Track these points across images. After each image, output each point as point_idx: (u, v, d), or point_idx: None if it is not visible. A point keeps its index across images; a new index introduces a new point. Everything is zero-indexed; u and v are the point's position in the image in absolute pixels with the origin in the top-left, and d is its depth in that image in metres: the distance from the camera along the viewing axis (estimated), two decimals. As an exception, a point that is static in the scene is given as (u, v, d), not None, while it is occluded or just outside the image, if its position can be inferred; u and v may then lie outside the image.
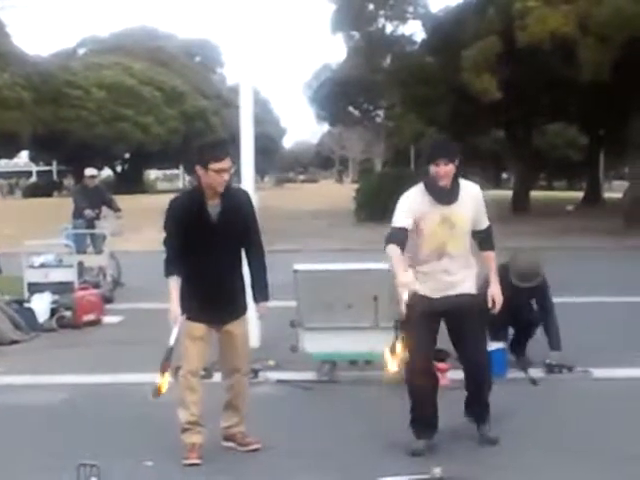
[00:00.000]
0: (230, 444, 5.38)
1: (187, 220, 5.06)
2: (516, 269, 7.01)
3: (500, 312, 5.39)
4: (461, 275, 5.20)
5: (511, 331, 7.59)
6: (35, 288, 10.43)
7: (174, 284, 5.09)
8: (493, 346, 7.00)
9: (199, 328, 5.14)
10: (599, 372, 7.18)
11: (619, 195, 31.88)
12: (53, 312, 9.90)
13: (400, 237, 4.97)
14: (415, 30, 32.97)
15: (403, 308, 4.75)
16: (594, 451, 5.33)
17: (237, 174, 8.57)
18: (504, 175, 65.08)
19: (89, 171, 13.57)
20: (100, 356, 8.41)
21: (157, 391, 4.94)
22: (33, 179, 72.90)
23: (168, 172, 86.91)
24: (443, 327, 5.32)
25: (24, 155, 66.68)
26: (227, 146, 5.23)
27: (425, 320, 5.17)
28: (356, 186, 33.13)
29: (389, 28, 31.04)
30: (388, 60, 32.52)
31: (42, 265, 10.92)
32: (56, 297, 10.11)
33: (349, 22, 29.99)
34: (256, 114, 9.03)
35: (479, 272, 5.36)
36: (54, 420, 6.22)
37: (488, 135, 41.33)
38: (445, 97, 27.33)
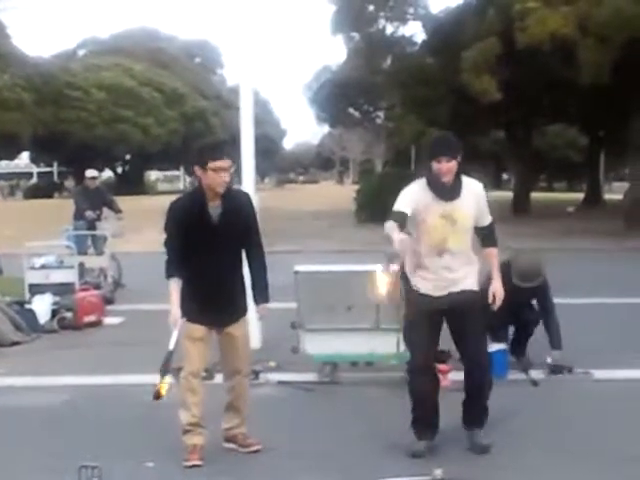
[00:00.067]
0: (231, 445, 5.39)
1: (188, 222, 5.06)
2: (517, 269, 7.02)
3: (500, 309, 5.39)
4: (463, 272, 5.19)
5: (511, 332, 7.60)
6: (36, 289, 10.43)
7: (175, 286, 5.09)
8: (494, 347, 7.01)
9: (199, 329, 5.15)
10: (599, 373, 7.18)
11: (619, 196, 31.87)
12: (54, 313, 9.90)
13: (399, 218, 4.94)
14: (415, 31, 33.06)
15: (397, 244, 4.69)
16: (594, 452, 5.33)
17: (237, 175, 8.58)
18: (504, 176, 65.09)
19: (90, 172, 13.57)
20: (101, 357, 8.41)
21: (157, 394, 4.95)
22: (34, 180, 72.86)
23: (168, 173, 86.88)
24: (444, 328, 5.32)
25: (25, 156, 66.66)
26: (225, 146, 5.24)
27: (427, 319, 5.17)
28: (357, 187, 33.14)
29: (389, 29, 31.09)
30: (388, 61, 32.54)
31: (43, 266, 10.92)
32: (57, 298, 10.11)
33: (349, 23, 29.99)
34: (256, 115, 9.04)
35: (481, 269, 5.36)
36: (55, 421, 6.22)
37: (488, 136, 41.35)
38: (445, 98, 27.33)
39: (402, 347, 6.44)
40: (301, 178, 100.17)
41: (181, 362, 5.19)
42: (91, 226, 12.94)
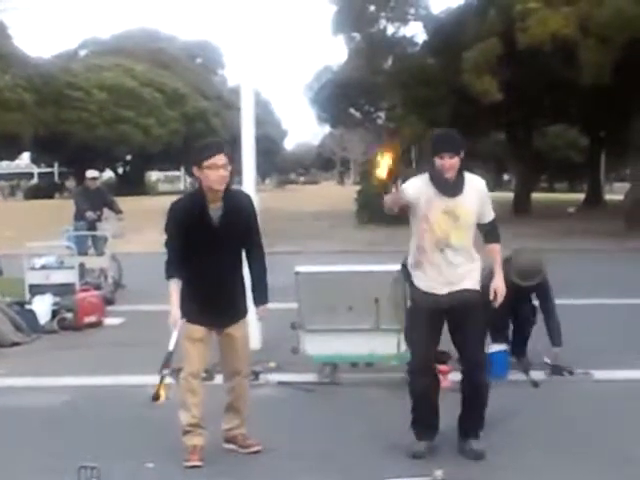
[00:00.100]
0: (231, 446, 5.39)
1: (188, 223, 5.05)
2: (518, 267, 7.01)
3: (501, 306, 5.38)
4: (465, 268, 5.17)
5: (510, 332, 7.61)
6: (36, 290, 10.43)
7: (175, 287, 5.09)
8: (495, 348, 7.02)
9: (199, 330, 5.14)
10: (600, 374, 7.18)
11: (620, 197, 31.87)
12: (54, 314, 9.90)
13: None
14: (416, 32, 33.04)
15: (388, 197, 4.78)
16: (594, 452, 5.33)
17: (238, 176, 8.57)
18: (505, 177, 65.10)
19: (90, 173, 13.57)
20: (101, 358, 8.41)
21: (156, 395, 4.94)
22: (34, 181, 72.91)
23: (169, 174, 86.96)
24: (446, 329, 5.32)
25: (25, 157, 66.70)
26: (220, 144, 5.24)
27: (429, 318, 5.16)
28: (357, 188, 33.12)
29: (390, 30, 31.09)
30: (389, 62, 32.55)
31: (43, 267, 10.92)
32: (57, 299, 10.12)
33: (350, 24, 30.00)
34: (257, 116, 9.03)
35: (483, 265, 5.35)
36: (55, 422, 6.22)
37: (489, 137, 41.32)
38: (446, 99, 27.34)
39: (402, 348, 6.44)
40: (302, 179, 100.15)
41: (181, 363, 5.19)
42: (91, 227, 12.95)
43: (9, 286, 10.94)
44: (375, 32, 30.38)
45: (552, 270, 7.41)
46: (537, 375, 7.10)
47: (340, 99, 43.86)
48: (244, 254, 5.28)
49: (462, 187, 5.14)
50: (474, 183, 5.23)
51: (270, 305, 5.39)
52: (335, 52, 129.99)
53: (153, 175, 80.00)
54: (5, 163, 71.46)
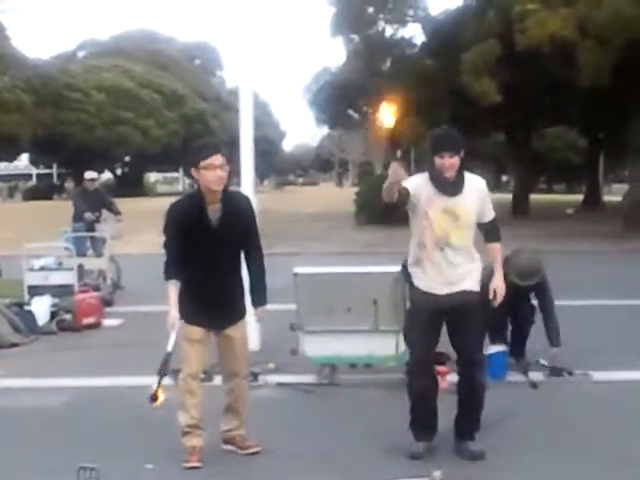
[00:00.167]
0: (230, 447, 5.39)
1: (187, 224, 5.05)
2: (517, 267, 7.01)
3: (500, 305, 5.37)
4: (465, 268, 5.16)
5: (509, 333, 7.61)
6: (35, 291, 10.43)
7: (173, 288, 5.09)
8: (493, 349, 7.03)
9: (197, 331, 5.14)
10: (599, 375, 7.18)
11: (619, 198, 31.88)
12: (53, 315, 9.90)
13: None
14: (415, 33, 32.93)
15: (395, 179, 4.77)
16: (593, 453, 5.33)
17: (237, 177, 8.57)
18: (504, 178, 65.09)
19: (89, 174, 13.56)
20: (100, 359, 8.41)
21: (154, 397, 4.94)
22: (33, 182, 72.88)
23: (168, 175, 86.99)
24: (444, 330, 5.32)
25: (24, 158, 66.68)
26: (217, 144, 5.24)
27: (428, 319, 5.16)
28: (356, 189, 33.14)
29: (389, 31, 31.15)
30: (388, 63, 32.54)
31: (42, 268, 10.91)
32: (56, 300, 10.10)
33: (349, 25, 30.02)
34: (256, 117, 9.03)
35: (484, 265, 5.34)
36: (54, 423, 6.22)
37: (488, 138, 41.35)
38: (445, 100, 27.34)
39: (401, 349, 6.45)
40: (300, 180, 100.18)
41: (180, 364, 5.19)
42: (90, 228, 12.94)
43: (8, 287, 10.95)
44: (373, 34, 30.41)
45: (551, 271, 7.42)
46: (536, 376, 7.10)
47: (339, 100, 43.76)
48: (243, 255, 5.28)
49: (462, 186, 5.13)
50: (474, 183, 5.23)
51: (269, 306, 5.39)
52: (334, 54, 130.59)
53: (152, 176, 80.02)
54: (4, 164, 71.48)
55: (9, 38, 49.48)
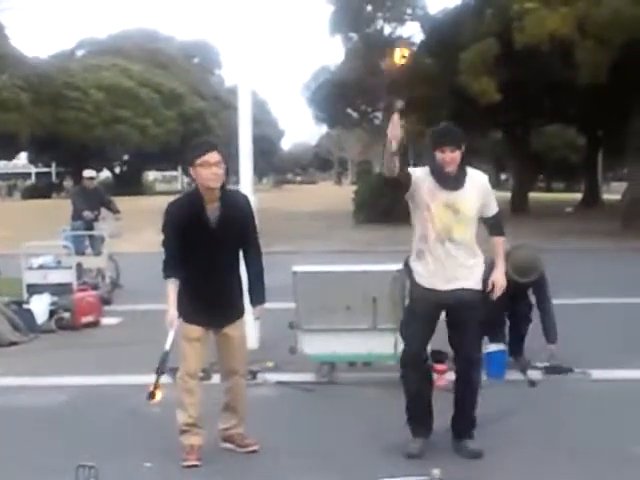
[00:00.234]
0: (229, 446, 5.39)
1: (185, 223, 5.05)
2: (516, 264, 7.01)
3: (498, 300, 5.37)
4: (467, 264, 5.14)
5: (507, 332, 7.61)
6: (34, 289, 10.44)
7: (172, 287, 5.09)
8: (492, 347, 7.03)
9: (196, 330, 5.14)
10: (597, 373, 7.18)
11: (617, 197, 31.92)
12: (52, 313, 9.90)
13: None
14: (413, 32, 33.06)
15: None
16: (592, 452, 5.33)
17: (235, 175, 8.58)
18: (503, 176, 65.10)
19: (88, 173, 13.55)
20: (99, 357, 8.41)
21: (152, 394, 4.94)
22: (32, 181, 72.85)
23: (167, 174, 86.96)
24: (443, 328, 5.31)
25: (23, 157, 66.65)
26: (213, 142, 5.25)
27: (427, 314, 5.16)
28: (355, 188, 33.14)
29: (387, 30, 31.16)
30: (386, 62, 32.51)
31: (41, 267, 10.93)
32: (55, 298, 10.11)
33: (347, 24, 30.04)
34: (254, 116, 9.03)
35: (485, 259, 5.33)
36: (53, 421, 6.22)
37: (487, 136, 41.35)
38: (444, 99, 27.35)
39: (400, 347, 6.43)
40: (298, 178, 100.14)
41: (178, 362, 5.19)
42: (89, 226, 12.94)
43: (7, 286, 10.95)
44: (372, 32, 30.43)
45: (550, 269, 7.42)
46: (534, 374, 7.10)
47: (337, 99, 43.75)
48: (241, 254, 5.28)
49: (463, 181, 5.12)
50: (476, 178, 5.21)
51: (268, 305, 5.39)
52: (332, 52, 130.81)
53: (150, 175, 80.00)
54: (2, 163, 71.42)
55: (8, 37, 49.46)
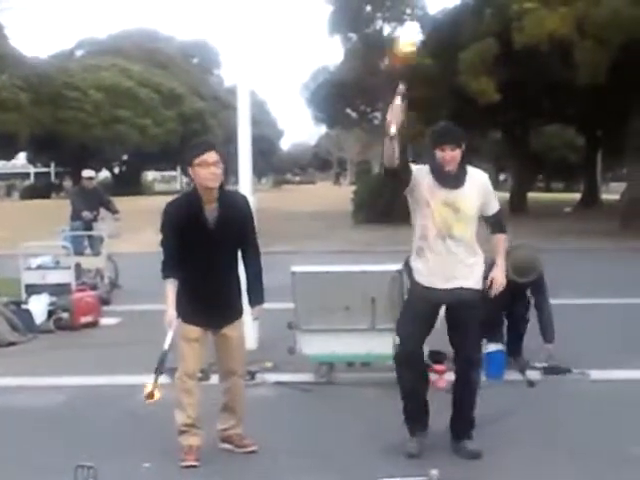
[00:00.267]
0: (227, 446, 5.38)
1: (184, 223, 5.05)
2: (514, 264, 7.01)
3: (497, 298, 5.36)
4: (467, 262, 5.13)
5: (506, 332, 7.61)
6: (32, 290, 10.43)
7: (171, 287, 5.08)
8: (491, 347, 7.03)
9: (194, 330, 5.14)
10: (596, 374, 7.18)
11: (616, 197, 31.91)
12: (50, 314, 9.89)
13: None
14: (413, 32, 32.98)
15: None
16: (591, 453, 5.33)
17: (234, 176, 8.58)
18: (502, 176, 65.11)
19: (87, 173, 13.54)
20: (97, 358, 8.41)
21: (150, 394, 4.94)
22: (31, 181, 72.80)
23: (166, 174, 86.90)
24: (443, 328, 5.31)
25: (22, 157, 66.58)
26: (211, 142, 5.27)
27: (424, 313, 5.15)
28: (354, 188, 33.14)
29: (387, 30, 31.09)
30: (386, 62, 32.52)
31: (39, 267, 10.91)
32: (53, 299, 10.11)
33: (346, 24, 30.02)
34: (253, 116, 9.02)
35: (485, 258, 5.32)
36: (52, 422, 6.21)
37: (486, 136, 41.35)
38: (443, 99, 27.34)
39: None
40: (297, 178, 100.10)
41: (177, 363, 5.19)
42: (88, 227, 12.93)
43: (5, 286, 10.94)
44: (371, 32, 30.40)
45: (548, 270, 7.42)
46: (533, 375, 7.10)
47: (337, 99, 43.74)
48: (240, 254, 5.28)
49: (463, 180, 5.11)
50: (476, 177, 5.21)
51: (266, 305, 5.39)
52: (331, 52, 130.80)
53: (149, 175, 79.97)
54: (1, 163, 71.38)
55: (7, 37, 49.41)
